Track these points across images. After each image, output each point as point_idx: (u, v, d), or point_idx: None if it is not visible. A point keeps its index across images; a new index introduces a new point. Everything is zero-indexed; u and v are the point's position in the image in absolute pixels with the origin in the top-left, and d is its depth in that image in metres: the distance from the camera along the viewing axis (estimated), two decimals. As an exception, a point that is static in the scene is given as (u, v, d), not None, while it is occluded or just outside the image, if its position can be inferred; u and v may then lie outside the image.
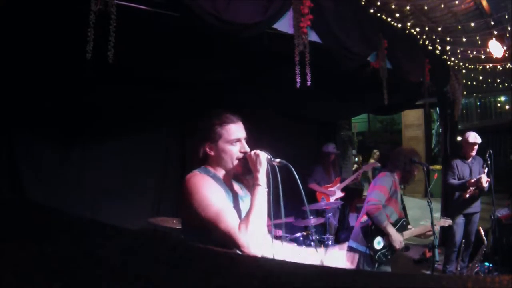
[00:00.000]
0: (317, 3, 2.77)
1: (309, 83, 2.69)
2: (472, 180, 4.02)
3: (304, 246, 4.15)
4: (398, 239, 2.85)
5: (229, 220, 1.41)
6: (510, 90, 7.37)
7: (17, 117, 3.08)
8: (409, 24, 4.02)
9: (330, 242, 4.39)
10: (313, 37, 2.86)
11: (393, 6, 3.70)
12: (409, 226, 3.16)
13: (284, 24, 2.68)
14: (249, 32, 2.50)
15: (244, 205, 1.58)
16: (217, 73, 3.45)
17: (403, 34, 4.09)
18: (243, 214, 1.49)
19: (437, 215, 5.76)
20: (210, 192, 1.45)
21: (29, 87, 2.97)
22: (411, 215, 7.26)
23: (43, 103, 3.15)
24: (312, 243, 4.30)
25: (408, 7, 3.71)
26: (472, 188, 4.06)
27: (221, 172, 1.61)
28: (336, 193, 5.20)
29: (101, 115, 3.57)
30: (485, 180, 3.91)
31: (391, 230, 2.83)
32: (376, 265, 2.87)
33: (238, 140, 1.59)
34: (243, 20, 2.39)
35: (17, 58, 2.57)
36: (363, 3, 3.45)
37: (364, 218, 3.04)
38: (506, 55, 4.60)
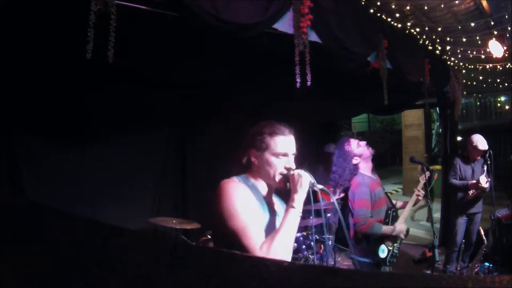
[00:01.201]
0: (317, 3, 2.77)
1: (309, 83, 2.69)
2: (473, 182, 4.01)
3: (304, 246, 4.16)
4: (400, 230, 2.69)
5: (253, 236, 1.34)
6: (510, 90, 7.37)
7: (17, 117, 3.08)
8: (409, 24, 4.02)
9: (330, 242, 4.40)
10: (313, 37, 2.86)
11: (393, 6, 3.70)
12: (394, 201, 2.98)
13: (284, 24, 2.68)
14: (249, 32, 2.50)
15: (279, 222, 1.47)
16: (217, 73, 3.45)
17: (403, 34, 4.09)
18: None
19: (437, 215, 5.77)
20: (242, 203, 1.38)
21: (29, 87, 2.97)
22: (411, 215, 7.28)
23: (43, 103, 3.15)
24: (312, 243, 4.30)
25: (408, 7, 3.71)
26: (473, 190, 4.05)
27: (261, 184, 1.53)
28: (337, 193, 5.20)
29: (101, 115, 3.57)
30: (484, 181, 3.90)
31: (390, 230, 2.69)
32: (388, 268, 2.74)
33: (285, 154, 1.51)
34: (243, 20, 2.39)
35: (17, 58, 2.57)
36: (363, 3, 3.45)
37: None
38: (506, 55, 4.60)
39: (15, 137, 3.13)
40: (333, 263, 4.48)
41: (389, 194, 3.13)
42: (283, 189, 1.53)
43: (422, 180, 2.92)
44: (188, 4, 2.11)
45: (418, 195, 2.86)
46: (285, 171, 1.49)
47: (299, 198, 1.43)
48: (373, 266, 2.71)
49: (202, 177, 4.39)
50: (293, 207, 1.42)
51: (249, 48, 2.96)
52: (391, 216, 2.79)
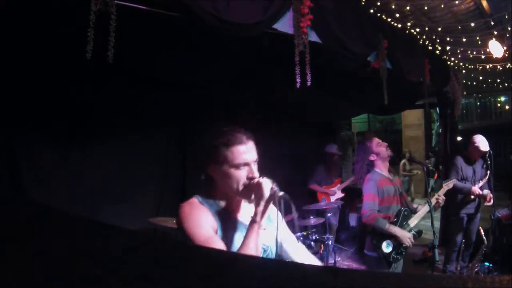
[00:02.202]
0: (317, 3, 2.77)
1: (309, 83, 2.69)
2: (477, 192, 4.00)
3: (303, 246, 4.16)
4: (405, 236, 2.80)
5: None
6: (510, 90, 7.37)
7: (17, 117, 3.08)
8: (409, 24, 4.02)
9: (330, 242, 4.40)
10: (313, 37, 2.86)
11: (393, 6, 3.70)
12: (414, 206, 3.12)
13: (284, 24, 2.68)
14: (249, 32, 2.50)
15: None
16: (217, 73, 3.45)
17: (403, 34, 4.09)
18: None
19: (437, 215, 5.77)
20: (199, 223, 1.33)
21: (29, 87, 2.97)
22: (411, 215, 7.27)
23: (43, 103, 3.15)
24: (312, 243, 4.31)
25: (408, 7, 3.71)
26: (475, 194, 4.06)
27: (224, 199, 1.44)
28: (336, 193, 5.22)
29: (101, 115, 3.57)
30: (489, 197, 3.94)
31: (395, 230, 2.80)
32: (393, 265, 2.85)
33: (246, 164, 1.37)
34: (243, 20, 2.39)
35: (17, 58, 2.57)
36: (363, 3, 3.45)
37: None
38: (506, 55, 4.60)
39: (15, 137, 3.12)
40: (333, 263, 4.48)
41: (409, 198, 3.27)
42: (248, 202, 1.42)
43: (446, 187, 3.10)
44: (188, 4, 2.11)
45: (438, 199, 2.98)
46: (247, 182, 1.36)
47: (260, 209, 1.32)
48: (380, 260, 2.84)
49: (202, 177, 4.38)
50: (255, 221, 1.32)
51: (249, 48, 2.96)
52: (402, 215, 2.92)
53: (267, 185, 1.32)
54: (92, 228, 0.59)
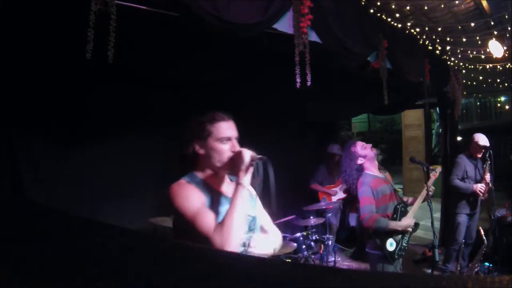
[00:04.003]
0: (317, 3, 2.77)
1: (309, 83, 2.69)
2: (478, 190, 4.08)
3: (304, 246, 4.16)
4: (406, 225, 2.86)
5: (204, 221, 1.41)
6: (510, 90, 7.37)
7: (17, 117, 3.08)
8: (409, 24, 4.02)
9: (330, 242, 4.40)
10: (313, 37, 2.86)
11: (393, 6, 3.70)
12: (405, 199, 3.16)
13: (284, 24, 2.68)
14: (249, 32, 2.50)
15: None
16: (217, 73, 3.45)
17: (403, 34, 4.09)
18: None
19: (437, 215, 5.77)
20: (189, 199, 1.46)
21: (29, 87, 2.97)
22: (411, 215, 7.26)
23: (43, 103, 3.15)
24: (312, 243, 4.31)
25: (408, 7, 3.71)
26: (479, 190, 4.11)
27: (209, 176, 1.58)
28: (337, 193, 5.21)
29: (101, 115, 3.57)
30: (488, 177, 4.02)
31: (396, 225, 2.84)
32: (396, 261, 2.90)
33: (229, 138, 1.54)
34: (243, 20, 2.39)
35: (17, 58, 2.57)
36: (363, 3, 3.45)
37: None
38: (506, 55, 4.60)
39: (15, 136, 3.12)
40: (333, 263, 4.48)
41: (398, 190, 3.30)
42: (230, 174, 1.57)
43: (433, 176, 3.09)
44: (188, 4, 2.11)
45: (428, 190, 2.98)
46: (231, 154, 1.52)
47: (243, 173, 1.46)
48: (384, 258, 2.86)
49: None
50: (239, 183, 1.45)
51: (249, 48, 2.96)
52: (400, 211, 2.94)
53: (248, 153, 1.48)
54: (92, 228, 0.59)
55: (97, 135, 3.64)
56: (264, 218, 1.74)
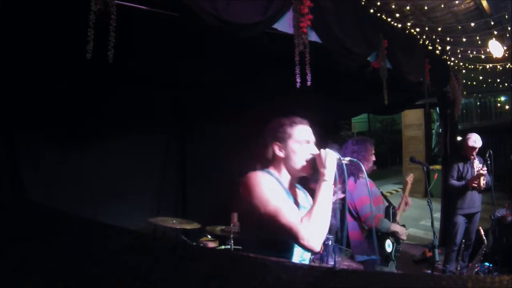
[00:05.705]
0: (317, 3, 2.77)
1: (309, 83, 2.69)
2: (472, 182, 4.09)
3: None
4: (403, 231, 2.88)
5: (290, 213, 1.38)
6: (510, 90, 7.37)
7: (17, 117, 3.08)
8: (409, 24, 4.02)
9: (330, 242, 4.39)
10: (313, 37, 2.86)
11: (393, 6, 3.70)
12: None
13: (284, 24, 2.68)
14: (249, 32, 2.50)
15: (303, 213, 1.51)
16: (217, 73, 3.45)
17: (403, 34, 4.09)
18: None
19: (437, 215, 5.77)
20: (270, 188, 1.42)
21: (30, 87, 2.97)
22: (411, 215, 7.27)
23: (43, 103, 3.15)
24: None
25: (408, 7, 3.71)
26: (475, 184, 4.12)
27: (285, 176, 1.57)
28: (336, 193, 5.20)
29: (101, 115, 3.57)
30: (483, 182, 4.01)
31: (396, 227, 2.86)
32: (390, 263, 2.90)
33: (308, 141, 1.58)
34: (243, 20, 2.39)
35: (18, 58, 2.57)
36: (363, 3, 3.45)
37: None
38: (506, 55, 4.60)
39: (15, 136, 3.12)
40: (333, 263, 4.48)
41: (387, 194, 3.27)
42: (308, 176, 1.57)
43: (410, 181, 3.18)
44: (188, 4, 2.11)
45: (406, 202, 3.06)
46: (310, 156, 1.54)
47: (329, 172, 1.47)
48: (378, 262, 2.86)
49: (202, 177, 4.40)
50: (324, 180, 1.46)
51: (249, 48, 2.96)
52: (392, 214, 2.96)
53: (332, 154, 1.51)
54: (92, 228, 0.59)
55: (97, 135, 3.64)
56: None
